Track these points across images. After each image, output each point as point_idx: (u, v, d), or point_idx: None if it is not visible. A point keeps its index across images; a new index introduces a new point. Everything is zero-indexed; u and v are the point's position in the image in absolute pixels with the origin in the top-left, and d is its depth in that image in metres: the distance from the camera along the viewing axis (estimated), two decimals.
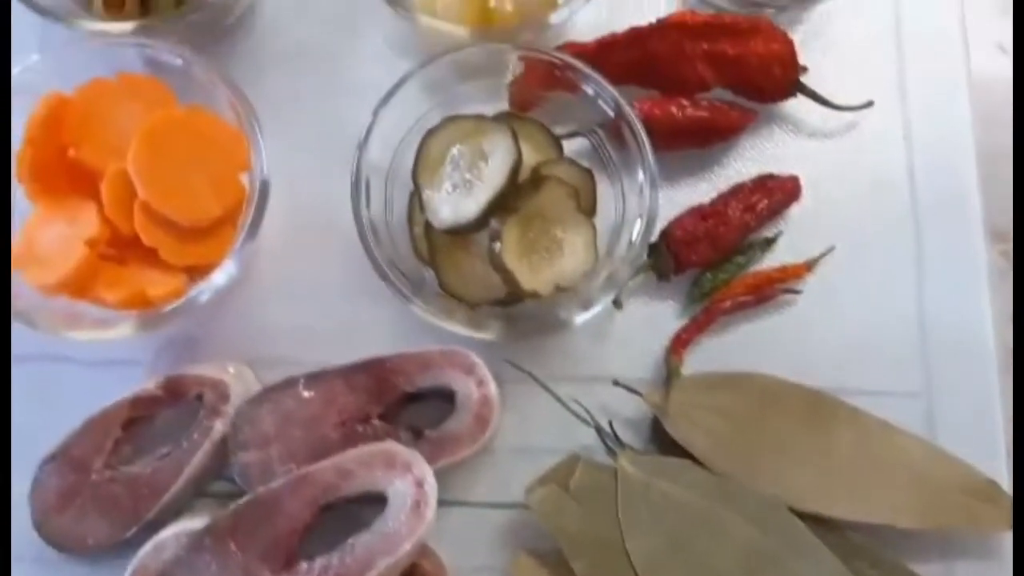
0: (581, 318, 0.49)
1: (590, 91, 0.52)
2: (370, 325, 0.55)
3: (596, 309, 0.49)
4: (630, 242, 0.50)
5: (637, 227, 0.50)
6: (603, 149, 0.56)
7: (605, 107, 0.52)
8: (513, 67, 0.54)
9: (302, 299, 0.56)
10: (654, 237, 0.52)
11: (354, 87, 0.58)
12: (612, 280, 0.50)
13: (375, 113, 0.51)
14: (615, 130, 0.53)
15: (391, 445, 0.49)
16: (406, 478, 0.48)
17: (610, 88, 0.52)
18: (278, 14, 0.60)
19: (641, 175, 0.51)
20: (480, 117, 0.53)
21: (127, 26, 0.52)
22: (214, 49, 0.58)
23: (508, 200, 0.50)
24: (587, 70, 0.52)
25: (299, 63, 0.59)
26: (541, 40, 0.56)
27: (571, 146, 0.56)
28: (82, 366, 0.55)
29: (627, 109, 0.51)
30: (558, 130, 0.56)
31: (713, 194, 0.57)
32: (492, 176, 0.50)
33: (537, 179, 0.51)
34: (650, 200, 0.50)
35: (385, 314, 0.55)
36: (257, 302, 0.56)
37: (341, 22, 0.60)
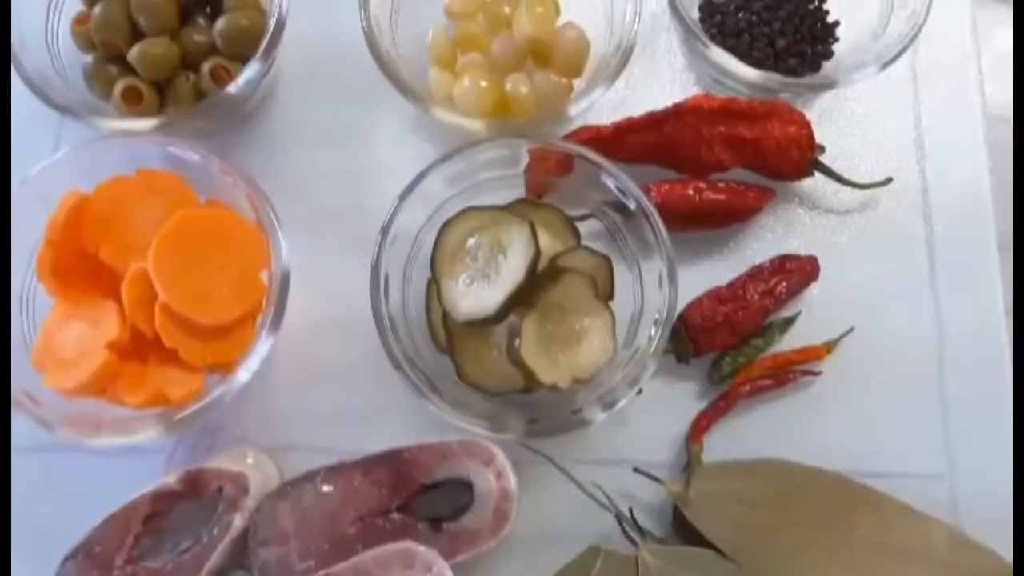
0: (603, 416, 0.49)
1: (609, 183, 0.52)
2: (388, 412, 0.55)
3: (620, 405, 0.49)
4: (649, 337, 0.50)
5: (656, 324, 0.50)
6: (619, 232, 0.55)
7: (622, 199, 0.52)
8: (527, 157, 0.54)
9: (321, 386, 0.56)
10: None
11: (372, 171, 0.59)
12: (633, 378, 0.49)
13: (393, 212, 0.51)
14: (631, 215, 0.53)
15: (410, 545, 0.49)
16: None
17: (628, 181, 0.52)
18: (295, 100, 0.61)
19: (660, 268, 0.51)
20: (497, 209, 0.53)
21: (146, 123, 0.52)
22: (232, 136, 0.58)
23: (527, 294, 0.50)
24: (602, 161, 0.52)
25: (317, 149, 0.60)
26: (559, 125, 0.56)
27: (586, 226, 0.56)
28: (101, 456, 0.55)
29: (644, 201, 0.51)
30: (573, 211, 0.56)
31: (731, 274, 0.57)
32: (511, 271, 0.50)
33: (556, 271, 0.51)
34: (669, 297, 0.50)
35: (404, 402, 0.54)
36: (276, 389, 0.56)
37: (358, 107, 0.60)
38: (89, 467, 0.55)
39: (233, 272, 0.49)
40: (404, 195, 0.51)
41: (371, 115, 0.60)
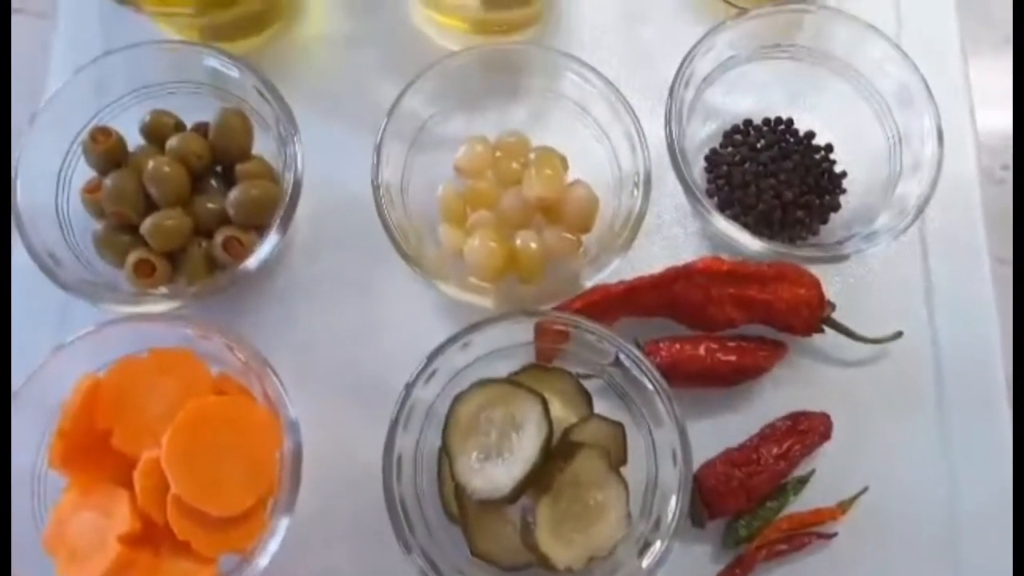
0: None
1: (626, 362, 0.52)
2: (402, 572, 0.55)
3: None
4: (664, 516, 0.50)
5: (673, 501, 0.50)
6: (627, 396, 0.55)
7: (639, 377, 0.52)
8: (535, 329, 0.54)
9: (333, 546, 0.55)
10: None
11: (382, 326, 0.59)
12: (657, 558, 0.49)
13: (405, 393, 0.51)
14: (630, 374, 0.53)
15: None
16: None
17: (638, 354, 0.52)
18: (305, 255, 0.61)
19: (673, 444, 0.50)
20: (510, 382, 0.53)
21: (158, 306, 0.52)
22: (243, 290, 0.58)
23: (541, 474, 0.50)
24: (609, 336, 0.52)
25: (328, 303, 0.60)
26: (571, 284, 0.56)
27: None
28: None
29: (658, 381, 0.51)
30: (583, 370, 0.56)
31: (744, 430, 0.57)
32: (524, 450, 0.50)
33: (570, 447, 0.51)
34: (683, 474, 0.49)
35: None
36: (288, 552, 0.55)
37: (369, 263, 0.60)
38: None
39: (245, 457, 0.49)
40: (412, 385, 0.51)
41: (383, 270, 0.59)
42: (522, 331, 0.54)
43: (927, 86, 0.56)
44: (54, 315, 0.57)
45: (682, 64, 0.56)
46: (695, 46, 0.56)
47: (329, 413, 0.57)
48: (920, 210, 0.54)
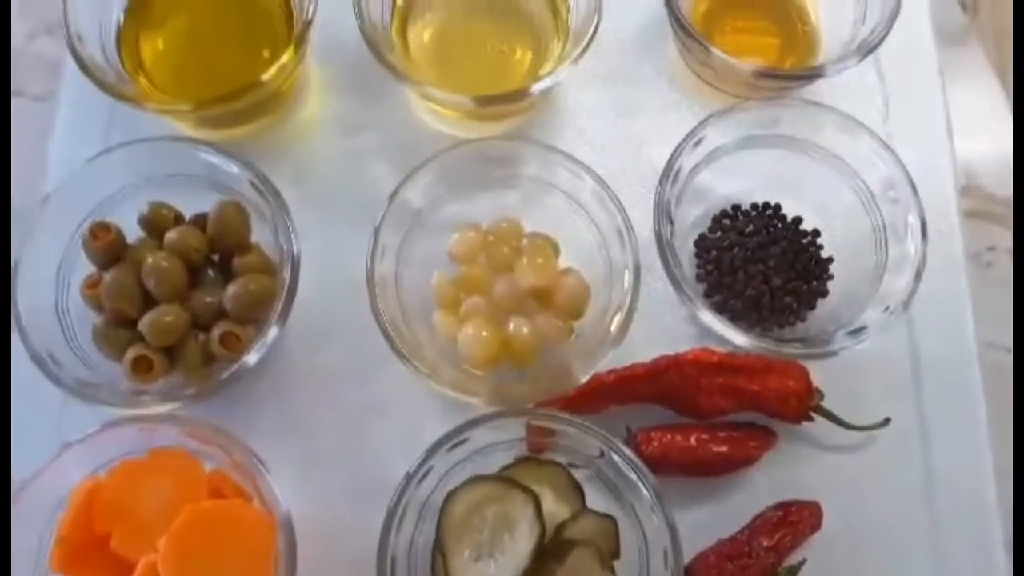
0: None
1: (615, 458, 0.53)
2: None
3: None
4: None
5: None
6: (615, 489, 0.56)
7: (628, 473, 0.53)
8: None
9: None
10: None
11: (374, 423, 0.60)
12: None
13: (400, 493, 0.51)
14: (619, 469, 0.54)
15: None
16: None
17: (628, 452, 0.52)
18: (301, 347, 0.61)
19: (664, 543, 0.51)
20: (503, 479, 0.53)
21: (155, 408, 0.53)
22: (233, 389, 0.59)
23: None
24: (600, 433, 0.52)
25: (322, 398, 0.60)
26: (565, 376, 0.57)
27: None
28: None
29: (649, 486, 0.51)
30: (575, 459, 0.56)
31: (734, 518, 0.57)
32: (516, 552, 0.51)
33: (562, 547, 0.52)
34: (675, 570, 0.50)
35: None
36: None
37: (364, 352, 0.60)
38: None
39: (241, 558, 0.50)
40: (412, 476, 0.51)
41: (378, 358, 0.58)
42: (515, 425, 0.55)
43: (911, 181, 0.57)
44: (54, 412, 0.58)
45: (670, 159, 0.57)
46: (683, 141, 0.58)
47: (323, 504, 0.57)
48: (906, 305, 0.55)
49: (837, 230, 0.62)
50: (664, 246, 0.56)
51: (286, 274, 0.56)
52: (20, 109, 0.71)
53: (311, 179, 0.65)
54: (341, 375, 0.61)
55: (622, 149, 0.66)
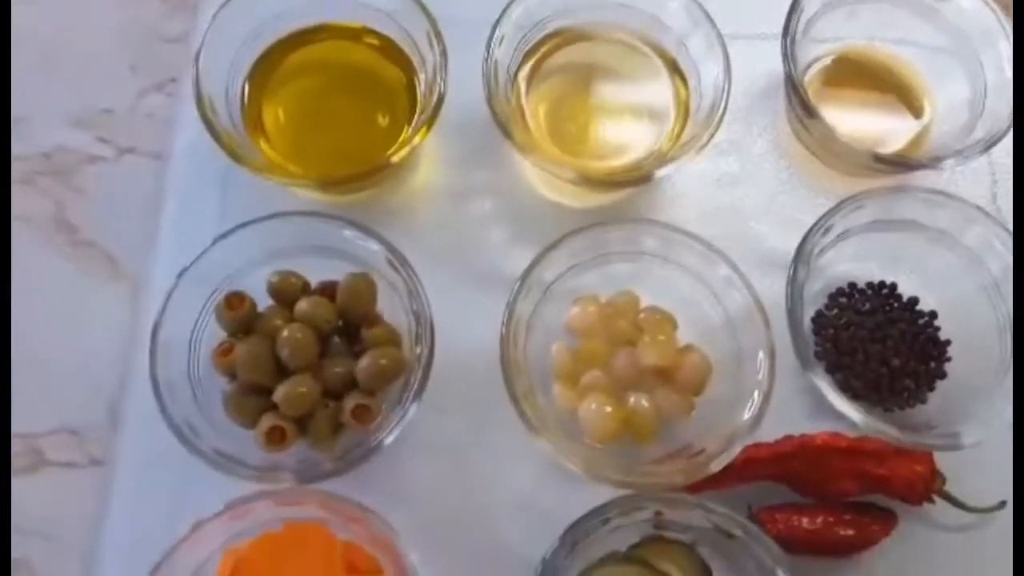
0: None
1: (744, 538, 0.53)
2: None
3: None
4: None
5: None
6: (739, 566, 0.56)
7: (759, 552, 0.53)
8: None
9: None
10: None
11: (503, 492, 0.61)
12: None
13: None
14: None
15: None
16: None
17: (760, 532, 0.52)
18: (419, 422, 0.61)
19: None
20: (638, 561, 0.54)
21: (283, 483, 0.54)
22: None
23: None
24: (738, 519, 0.53)
25: (435, 460, 0.61)
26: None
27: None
28: None
29: (778, 557, 0.52)
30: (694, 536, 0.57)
31: None
32: None
33: None
34: None
35: None
36: None
37: (488, 425, 0.61)
38: None
39: None
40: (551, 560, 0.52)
41: (504, 430, 0.59)
42: (649, 508, 0.55)
43: None
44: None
45: (803, 242, 0.58)
46: (814, 226, 0.58)
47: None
48: None
49: (956, 316, 0.62)
50: (797, 326, 0.56)
51: (422, 349, 0.56)
52: (133, 165, 0.71)
53: (426, 247, 0.66)
54: (465, 447, 0.61)
55: (730, 221, 0.67)
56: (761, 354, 0.56)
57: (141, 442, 0.62)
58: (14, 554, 0.61)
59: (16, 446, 0.64)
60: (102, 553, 0.60)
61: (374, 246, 0.58)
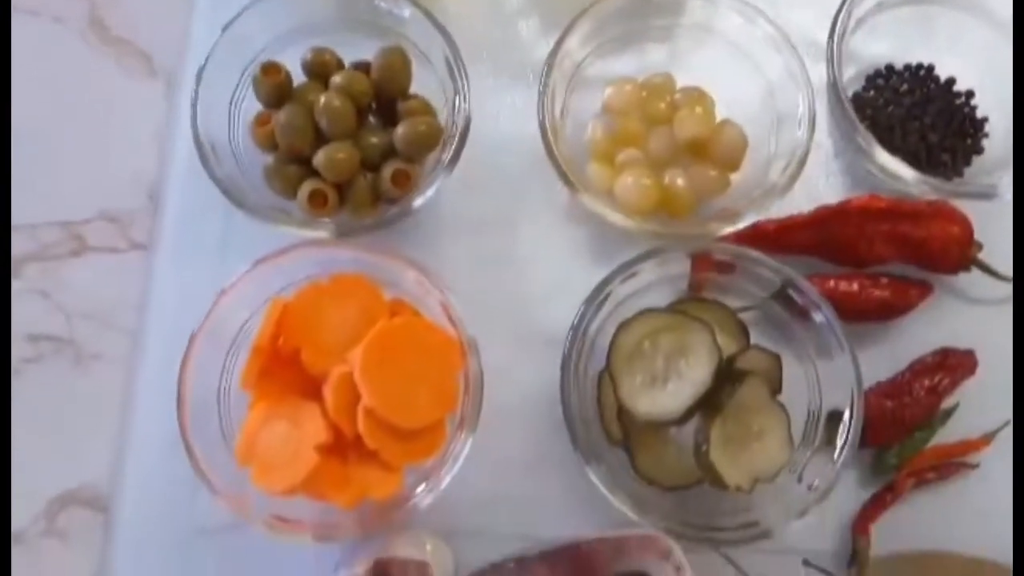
0: (789, 526, 0.51)
1: (794, 295, 0.54)
2: (558, 498, 0.57)
3: (807, 518, 0.51)
4: (836, 442, 0.52)
5: (841, 432, 0.52)
6: (786, 327, 0.57)
7: (809, 309, 0.54)
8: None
9: (497, 473, 0.57)
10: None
11: (528, 259, 0.61)
12: (820, 490, 0.51)
13: (581, 317, 0.53)
14: (800, 311, 0.55)
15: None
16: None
17: (810, 287, 0.53)
18: (455, 191, 0.61)
19: (849, 380, 0.52)
20: (676, 311, 0.55)
21: (324, 231, 0.55)
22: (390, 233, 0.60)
23: (711, 397, 0.52)
24: (781, 267, 0.54)
25: (476, 238, 0.62)
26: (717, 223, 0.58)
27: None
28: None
29: (829, 315, 0.53)
30: (736, 303, 0.58)
31: (889, 364, 0.59)
32: (695, 375, 0.52)
33: (738, 374, 0.53)
34: (856, 404, 0.51)
35: (576, 488, 0.56)
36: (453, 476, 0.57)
37: (513, 198, 0.62)
38: (265, 550, 0.57)
39: (431, 375, 0.51)
40: (591, 300, 0.53)
41: (526, 205, 0.62)
42: (678, 263, 0.56)
43: None
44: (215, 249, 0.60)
45: (841, 6, 0.57)
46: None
47: (486, 344, 0.59)
48: None
49: (993, 91, 0.62)
50: (840, 92, 0.56)
51: (459, 117, 0.56)
52: None
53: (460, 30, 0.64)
54: (499, 221, 0.62)
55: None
56: (802, 117, 0.56)
57: (182, 224, 0.63)
58: (60, 334, 0.62)
59: (57, 234, 0.64)
60: (147, 330, 0.61)
61: (408, 12, 0.58)
